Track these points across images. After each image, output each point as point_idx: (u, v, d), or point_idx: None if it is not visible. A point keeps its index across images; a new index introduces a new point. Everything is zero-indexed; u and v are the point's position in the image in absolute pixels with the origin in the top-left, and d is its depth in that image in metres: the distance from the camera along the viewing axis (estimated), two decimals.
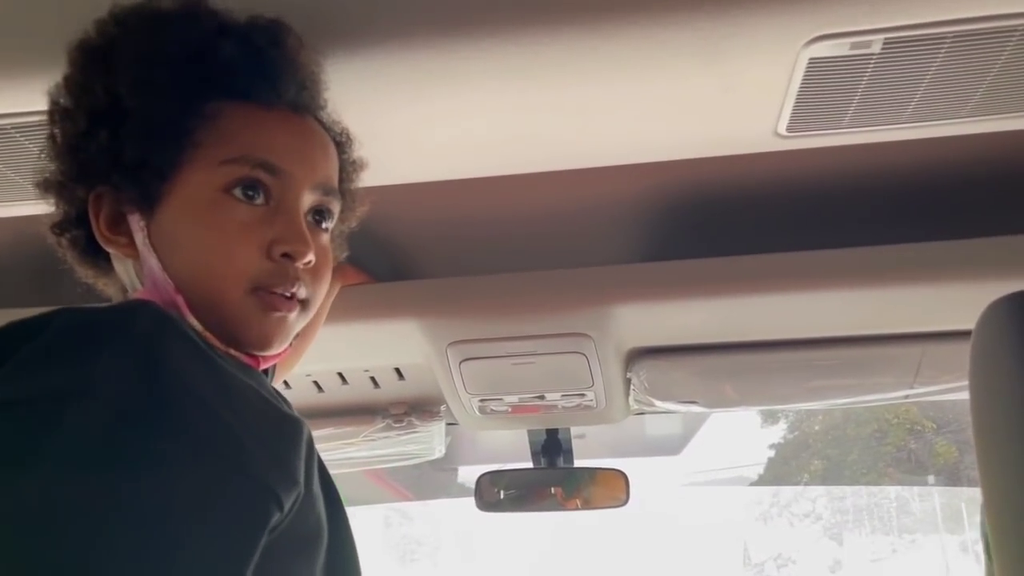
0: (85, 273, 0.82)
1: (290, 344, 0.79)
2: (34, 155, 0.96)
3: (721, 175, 1.17)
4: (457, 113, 0.95)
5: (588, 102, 0.94)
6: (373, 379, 1.46)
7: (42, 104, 0.86)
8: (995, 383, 0.69)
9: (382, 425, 1.54)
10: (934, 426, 6.28)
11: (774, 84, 0.89)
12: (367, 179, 0.90)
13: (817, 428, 7.22)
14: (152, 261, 0.73)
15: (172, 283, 0.72)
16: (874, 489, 7.38)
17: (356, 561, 0.75)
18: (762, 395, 1.40)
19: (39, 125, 0.91)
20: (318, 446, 0.73)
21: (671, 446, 2.65)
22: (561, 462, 1.65)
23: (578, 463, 1.70)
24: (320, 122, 0.82)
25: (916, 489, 7.15)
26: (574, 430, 1.69)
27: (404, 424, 1.53)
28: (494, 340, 1.26)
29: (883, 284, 1.15)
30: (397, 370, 1.43)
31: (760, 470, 7.35)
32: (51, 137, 0.77)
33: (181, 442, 0.57)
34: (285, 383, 1.37)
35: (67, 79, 0.76)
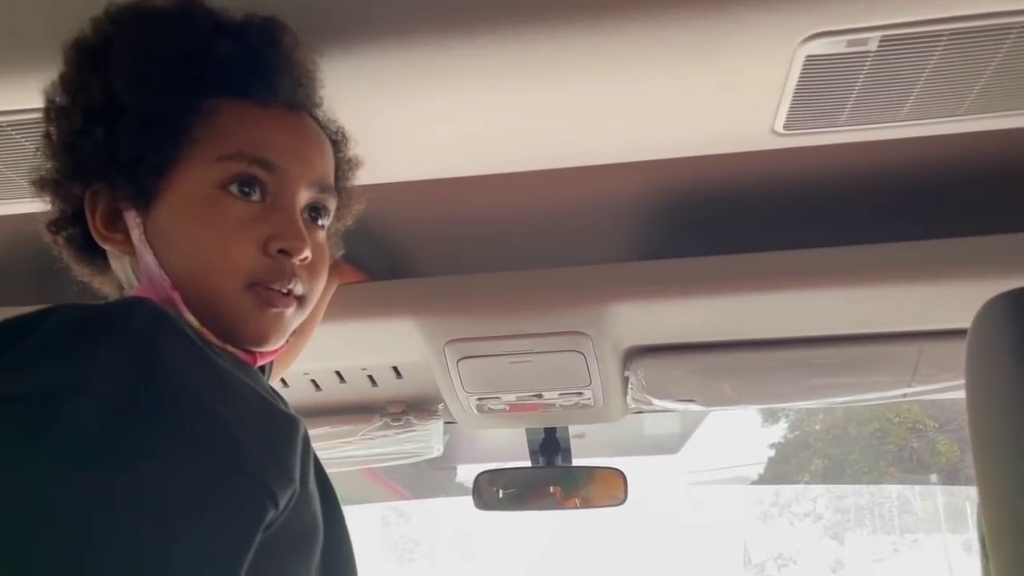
0: (81, 271, 0.82)
1: (287, 341, 0.79)
2: (30, 153, 0.96)
3: (719, 173, 1.17)
4: (454, 111, 0.95)
5: (585, 100, 0.94)
6: (371, 377, 1.46)
7: (38, 102, 0.86)
8: (991, 380, 0.69)
9: (380, 424, 1.54)
10: (936, 425, 6.27)
11: (771, 82, 0.89)
12: (364, 177, 0.90)
13: (818, 427, 7.21)
14: (148, 258, 0.73)
15: (168, 279, 0.72)
16: (875, 488, 7.37)
17: (352, 559, 0.75)
18: (760, 393, 1.40)
19: (35, 123, 0.91)
20: (316, 445, 0.73)
21: (669, 445, 2.65)
22: (559, 461, 1.65)
23: (576, 462, 1.70)
24: (316, 120, 0.82)
25: (918, 488, 7.14)
26: (574, 429, 1.69)
27: (402, 423, 1.53)
28: (492, 339, 1.26)
29: (881, 282, 1.15)
30: (395, 369, 1.43)
31: (760, 469, 7.34)
32: (47, 135, 0.77)
33: (177, 439, 0.58)
34: (283, 381, 1.37)
35: (63, 77, 0.76)
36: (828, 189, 1.17)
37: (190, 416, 0.59)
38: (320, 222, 0.80)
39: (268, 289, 0.73)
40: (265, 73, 0.76)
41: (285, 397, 0.74)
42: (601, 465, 1.69)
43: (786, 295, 1.18)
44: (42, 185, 0.78)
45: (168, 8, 0.74)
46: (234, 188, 0.73)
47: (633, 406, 1.45)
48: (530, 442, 1.68)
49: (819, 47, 0.83)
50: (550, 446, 1.65)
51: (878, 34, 0.81)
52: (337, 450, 1.57)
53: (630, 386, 1.39)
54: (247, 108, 0.75)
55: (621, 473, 1.66)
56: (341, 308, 1.17)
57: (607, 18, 0.80)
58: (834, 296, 1.17)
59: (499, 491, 1.67)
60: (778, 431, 7.29)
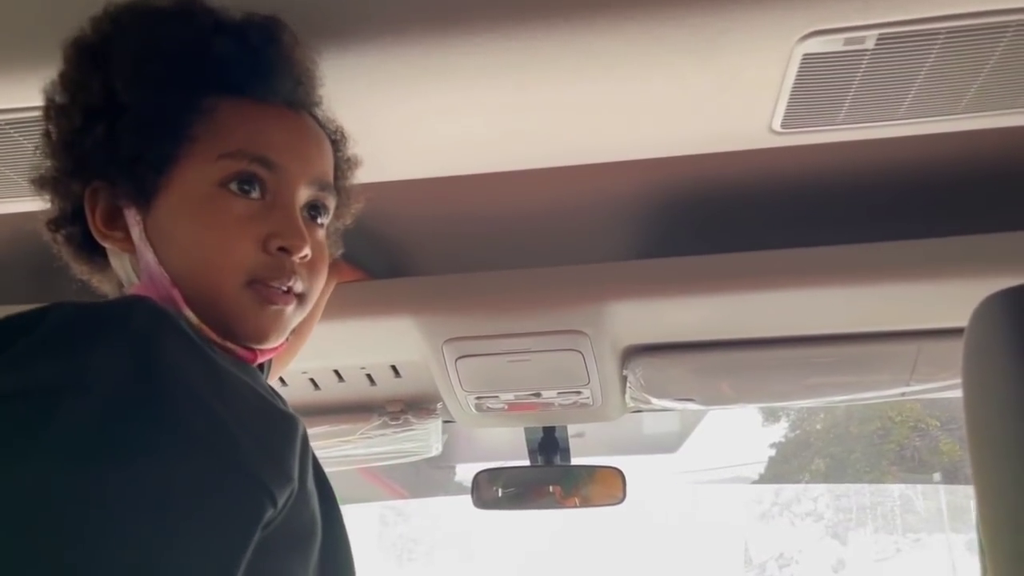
0: (80, 269, 0.82)
1: (286, 339, 0.79)
2: (29, 151, 0.96)
3: (717, 172, 1.17)
4: (452, 109, 0.95)
5: (583, 99, 0.94)
6: (369, 376, 1.46)
7: (37, 100, 0.86)
8: (988, 379, 0.69)
9: (379, 423, 1.54)
10: (938, 423, 6.26)
11: (768, 80, 0.89)
12: (361, 175, 0.90)
13: (819, 427, 7.21)
14: (148, 255, 0.74)
15: (168, 277, 0.72)
16: (877, 488, 7.36)
17: (350, 559, 0.75)
18: (759, 392, 1.40)
19: (34, 121, 0.91)
20: (314, 444, 0.73)
21: (668, 444, 2.65)
22: (558, 460, 1.65)
23: (575, 461, 1.70)
24: (315, 119, 0.82)
25: (920, 487, 7.13)
26: (573, 428, 1.69)
27: (401, 422, 1.54)
28: (490, 337, 1.26)
29: (879, 281, 1.15)
30: (393, 367, 1.43)
31: (761, 469, 7.34)
32: (46, 134, 0.77)
33: (175, 436, 0.58)
34: (281, 380, 1.37)
35: (63, 76, 0.76)
36: (826, 187, 1.17)
37: (188, 414, 0.59)
38: (319, 220, 0.80)
39: (268, 286, 0.73)
40: (265, 71, 0.76)
41: (283, 396, 0.74)
42: (600, 464, 1.69)
43: (784, 294, 1.18)
44: (42, 183, 0.78)
45: (168, 6, 0.75)
46: (234, 186, 0.73)
47: (632, 405, 1.45)
48: (529, 441, 1.68)
49: (816, 45, 0.83)
50: (549, 445, 1.65)
51: (875, 32, 0.81)
52: (335, 449, 1.57)
53: (629, 385, 1.39)
54: (247, 106, 0.75)
55: (620, 472, 1.66)
56: (339, 307, 1.17)
57: (604, 17, 0.80)
58: (833, 295, 1.17)
59: (498, 490, 1.67)
60: (779, 430, 7.29)
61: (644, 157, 1.10)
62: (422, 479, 2.75)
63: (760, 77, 0.89)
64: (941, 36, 0.82)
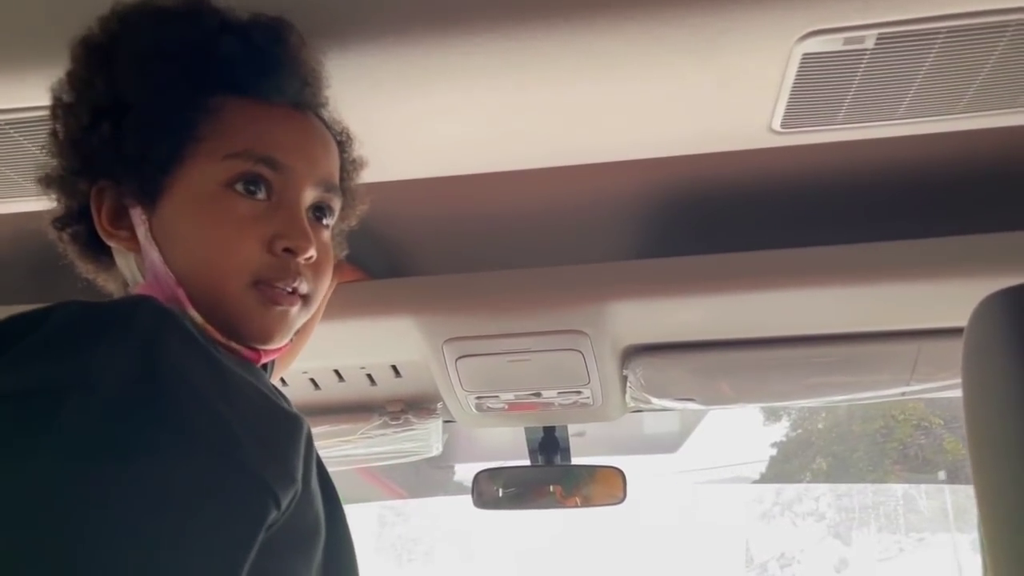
0: (86, 268, 0.82)
1: (290, 340, 0.79)
2: (29, 151, 0.97)
3: (716, 171, 1.17)
4: (453, 109, 0.95)
5: (583, 98, 0.94)
6: (370, 376, 1.46)
7: (38, 100, 0.87)
8: (987, 378, 0.69)
9: (379, 422, 1.54)
10: (941, 422, 6.24)
11: (768, 80, 0.89)
12: (363, 175, 0.90)
13: (821, 426, 7.20)
14: (154, 254, 0.74)
15: (173, 276, 0.73)
16: (880, 487, 7.35)
17: (353, 559, 0.75)
18: (759, 392, 1.40)
19: (34, 121, 0.91)
20: (315, 443, 0.73)
21: (669, 444, 2.65)
22: (558, 460, 1.65)
23: (576, 461, 1.70)
24: (322, 120, 0.82)
25: (923, 487, 7.11)
26: (573, 428, 1.69)
27: (401, 421, 1.54)
28: (490, 337, 1.26)
29: (879, 281, 1.15)
30: (394, 367, 1.43)
31: (762, 468, 7.33)
32: (53, 132, 0.78)
33: (178, 436, 0.57)
34: (282, 380, 1.37)
35: (70, 74, 0.76)
36: (826, 187, 1.17)
37: (192, 414, 0.59)
38: (325, 221, 0.80)
39: (273, 287, 0.73)
40: (271, 72, 0.76)
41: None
42: (600, 464, 1.69)
43: (784, 293, 1.17)
44: (48, 182, 0.78)
45: (175, 7, 0.75)
46: (239, 186, 0.73)
47: (632, 405, 1.45)
48: (529, 441, 1.68)
49: (816, 45, 0.83)
50: (549, 445, 1.65)
51: (875, 32, 0.81)
52: (336, 449, 1.57)
53: (629, 385, 1.39)
54: (253, 107, 0.75)
55: (620, 472, 1.66)
56: (340, 307, 1.17)
57: (605, 17, 0.80)
58: (832, 294, 1.17)
59: (498, 490, 1.67)
60: (780, 429, 7.28)
61: (644, 157, 1.10)
62: (422, 479, 2.75)
63: (760, 77, 0.89)
64: (940, 36, 0.82)
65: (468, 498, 1.70)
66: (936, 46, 0.83)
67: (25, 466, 0.53)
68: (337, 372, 1.44)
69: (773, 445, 7.28)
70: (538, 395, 1.40)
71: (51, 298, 0.65)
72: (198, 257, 0.73)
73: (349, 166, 0.87)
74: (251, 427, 0.62)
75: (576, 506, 1.69)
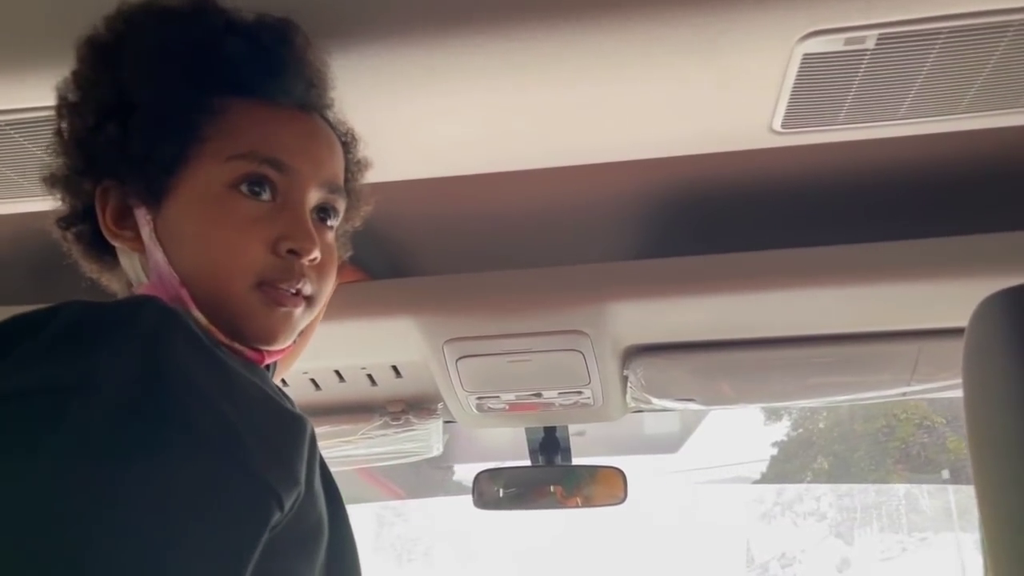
0: (90, 268, 0.82)
1: (293, 341, 0.79)
2: (30, 152, 0.97)
3: (717, 172, 1.17)
4: (453, 110, 0.95)
5: (584, 99, 0.94)
6: (370, 377, 1.46)
7: (38, 101, 0.87)
8: (988, 378, 0.69)
9: (380, 423, 1.54)
10: (943, 421, 6.23)
11: (769, 80, 0.89)
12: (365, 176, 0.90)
13: (822, 425, 7.18)
14: (158, 255, 0.74)
15: (177, 277, 0.73)
16: (882, 487, 7.33)
17: (356, 559, 0.74)
18: (759, 392, 1.40)
19: (35, 122, 0.91)
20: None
21: (670, 444, 2.65)
22: (559, 460, 1.65)
23: (576, 461, 1.70)
24: (327, 121, 0.82)
25: (926, 486, 7.09)
26: (574, 427, 1.69)
27: (402, 422, 1.54)
28: (490, 338, 1.26)
29: (880, 281, 1.15)
30: (394, 368, 1.43)
31: (763, 468, 7.32)
32: (58, 132, 0.78)
33: (182, 437, 0.57)
34: (283, 380, 1.37)
35: (75, 74, 0.76)
36: (826, 187, 1.17)
37: (196, 415, 0.59)
38: (329, 223, 0.80)
39: (277, 288, 0.73)
40: (277, 73, 0.76)
41: None
42: (601, 464, 1.69)
43: (785, 294, 1.17)
44: (53, 181, 0.78)
45: (181, 7, 0.75)
46: (244, 187, 0.73)
47: (632, 405, 1.46)
48: (530, 441, 1.68)
49: (816, 45, 0.83)
50: (550, 445, 1.65)
51: (875, 32, 0.81)
52: (337, 449, 1.57)
53: (629, 385, 1.39)
54: (259, 107, 0.75)
55: (621, 472, 1.66)
56: (340, 307, 1.17)
57: (605, 17, 0.80)
58: (833, 295, 1.17)
59: (499, 490, 1.68)
60: (781, 429, 7.27)
61: (645, 157, 1.10)
62: (422, 479, 2.75)
63: (760, 77, 0.89)
64: (942, 36, 0.82)
65: (467, 498, 1.70)
66: (937, 46, 0.83)
67: (30, 466, 0.53)
68: (338, 372, 1.44)
69: (774, 445, 7.27)
70: (539, 395, 1.40)
71: (51, 299, 0.65)
72: (202, 258, 0.73)
73: (354, 167, 0.86)
74: (255, 428, 0.62)
75: (577, 506, 1.69)
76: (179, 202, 0.73)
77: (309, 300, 0.76)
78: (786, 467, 7.23)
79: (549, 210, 1.24)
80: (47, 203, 0.80)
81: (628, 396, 1.42)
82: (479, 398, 1.41)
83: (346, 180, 0.83)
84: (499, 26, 0.81)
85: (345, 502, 0.75)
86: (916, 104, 0.94)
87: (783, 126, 0.98)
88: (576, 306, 1.22)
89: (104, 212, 0.76)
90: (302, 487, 0.63)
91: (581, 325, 1.24)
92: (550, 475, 1.66)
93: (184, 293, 0.72)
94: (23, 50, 0.84)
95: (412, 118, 0.96)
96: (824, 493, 7.78)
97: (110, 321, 0.62)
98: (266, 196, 0.74)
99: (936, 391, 1.33)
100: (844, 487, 7.87)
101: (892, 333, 1.28)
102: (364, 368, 1.44)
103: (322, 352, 1.23)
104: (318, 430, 0.69)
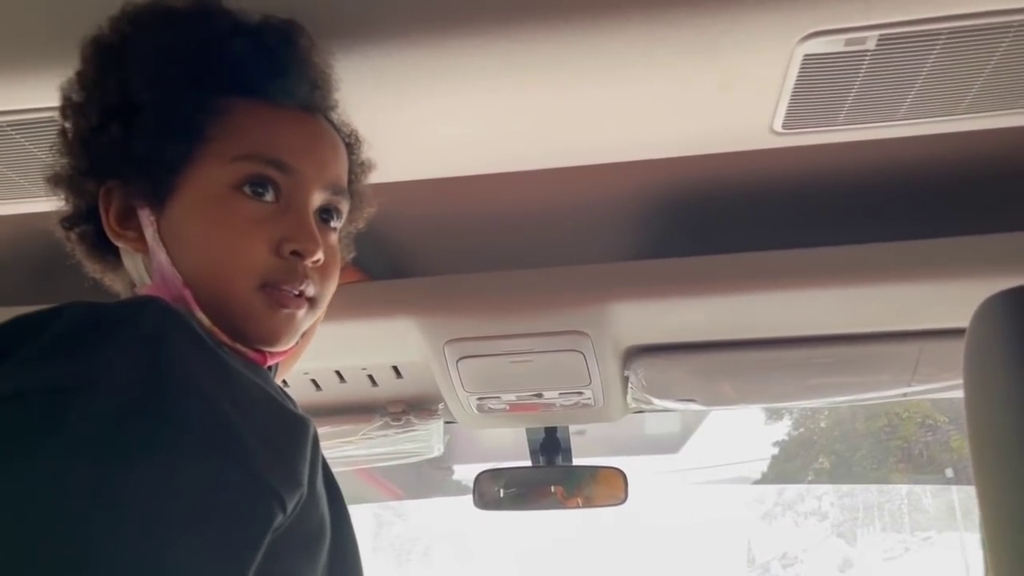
0: (93, 268, 0.82)
1: (296, 342, 0.79)
2: (31, 153, 0.97)
3: (718, 172, 1.17)
4: (454, 111, 0.95)
5: (585, 100, 0.94)
6: (371, 377, 1.46)
7: (39, 102, 0.87)
8: (989, 379, 0.69)
9: (380, 423, 1.54)
10: (946, 420, 6.21)
11: (769, 81, 0.89)
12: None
13: (823, 424, 7.17)
14: (161, 255, 0.74)
15: (180, 278, 0.72)
16: (885, 486, 7.32)
17: (358, 560, 0.74)
18: (760, 393, 1.40)
19: (36, 123, 0.92)
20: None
21: (670, 444, 2.65)
22: (560, 460, 1.65)
23: (577, 461, 1.70)
24: (331, 122, 0.82)
25: (929, 485, 7.08)
26: (574, 427, 1.69)
27: (402, 422, 1.54)
28: (491, 338, 1.26)
29: (881, 281, 1.15)
30: (395, 368, 1.44)
31: (764, 468, 7.31)
32: (62, 132, 0.78)
33: (184, 438, 0.57)
34: (283, 381, 1.37)
35: (80, 75, 0.76)
36: (827, 188, 1.17)
37: (199, 416, 0.59)
38: (332, 224, 0.80)
39: (280, 290, 0.73)
40: (281, 74, 0.76)
41: None
42: (602, 465, 1.69)
43: (786, 294, 1.17)
44: (57, 181, 0.78)
45: (185, 8, 0.75)
46: (247, 188, 0.73)
47: (633, 406, 1.46)
48: (530, 441, 1.68)
49: (817, 46, 0.83)
50: (550, 445, 1.65)
51: (876, 33, 0.81)
52: (337, 450, 1.57)
53: (630, 386, 1.39)
54: (263, 109, 0.75)
55: (622, 473, 1.66)
56: (341, 308, 1.16)
57: (606, 18, 0.80)
58: (834, 295, 1.17)
59: (500, 491, 1.67)
60: (782, 428, 7.26)
61: (646, 158, 1.10)
62: (420, 479, 2.74)
63: (761, 78, 0.89)
64: (942, 37, 0.82)
65: (467, 498, 1.70)
66: (938, 47, 0.83)
67: (33, 466, 0.53)
68: (338, 373, 1.44)
69: (775, 444, 7.26)
70: (539, 396, 1.40)
71: (52, 299, 0.66)
72: (205, 259, 0.73)
73: (357, 169, 0.86)
74: (258, 429, 0.62)
75: (577, 507, 1.69)
76: (182, 203, 0.73)
77: (312, 302, 0.76)
78: (787, 467, 7.22)
79: (550, 210, 1.24)
80: (48, 204, 0.80)
81: (629, 396, 1.42)
82: (480, 398, 1.41)
83: (349, 181, 0.83)
84: (500, 27, 0.81)
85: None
86: (917, 105, 0.94)
87: (784, 127, 0.98)
88: (577, 307, 1.22)
89: (108, 212, 0.76)
90: (304, 488, 0.63)
91: (582, 326, 1.24)
92: (551, 475, 1.66)
93: (187, 294, 0.72)
94: (24, 51, 0.84)
95: (413, 118, 0.96)
96: (826, 492, 7.78)
97: (113, 322, 0.62)
98: (269, 197, 0.74)
99: (937, 392, 1.33)
100: (846, 486, 7.87)
101: (893, 334, 1.28)
102: (365, 369, 1.44)
103: (323, 352, 1.24)
104: (319, 431, 0.69)
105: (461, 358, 1.30)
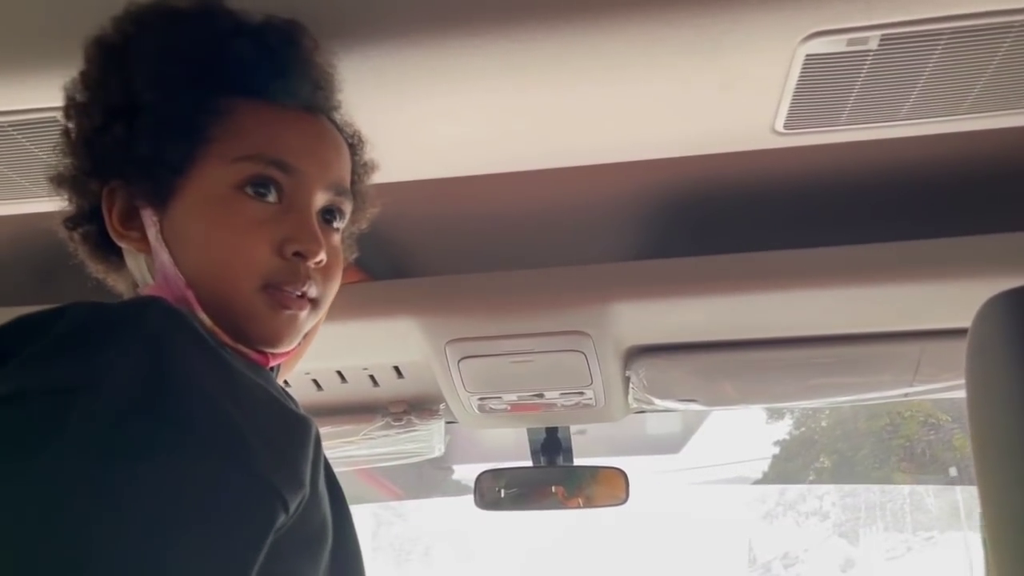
0: (96, 268, 0.82)
1: (298, 343, 0.79)
2: (32, 153, 0.97)
3: (719, 172, 1.16)
4: (454, 111, 0.95)
5: (586, 100, 0.94)
6: (372, 377, 1.46)
7: (40, 102, 0.87)
8: (991, 379, 0.69)
9: (381, 423, 1.54)
10: (949, 418, 6.21)
11: (771, 81, 0.89)
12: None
13: (824, 424, 7.16)
14: (164, 256, 0.74)
15: (183, 278, 0.72)
16: (887, 486, 7.31)
17: (360, 560, 0.74)
18: (761, 393, 1.40)
19: (37, 123, 0.92)
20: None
21: (671, 444, 2.65)
22: (561, 460, 1.65)
23: (578, 461, 1.70)
24: (333, 123, 0.82)
25: (931, 485, 7.07)
26: (575, 426, 1.69)
27: (403, 422, 1.54)
28: (492, 338, 1.26)
29: (882, 281, 1.15)
30: (396, 368, 1.44)
31: (765, 468, 7.31)
32: (65, 132, 0.78)
33: (187, 439, 0.57)
34: (284, 381, 1.37)
35: (83, 75, 0.76)
36: (829, 188, 1.17)
37: (201, 416, 0.59)
38: (335, 225, 0.80)
39: (282, 291, 0.73)
40: (284, 74, 0.76)
41: None
42: (603, 465, 1.69)
43: (787, 294, 1.17)
44: (60, 181, 0.78)
45: (189, 8, 0.75)
46: (250, 189, 0.73)
47: (635, 406, 1.46)
48: (531, 442, 1.68)
49: (819, 46, 0.83)
50: (551, 446, 1.65)
51: (878, 33, 0.81)
52: (339, 450, 1.57)
53: (631, 386, 1.39)
54: (265, 109, 0.75)
55: (623, 473, 1.66)
56: (342, 308, 1.16)
57: (607, 18, 0.80)
58: (835, 295, 1.17)
59: (501, 491, 1.68)
60: (783, 428, 7.25)
61: (647, 158, 1.10)
62: (420, 479, 2.74)
63: (763, 78, 0.89)
64: (944, 37, 0.82)
65: (466, 498, 1.70)
66: (940, 47, 0.83)
67: (35, 466, 0.53)
68: (340, 373, 1.44)
69: (776, 444, 7.26)
70: (541, 396, 1.40)
71: (53, 299, 0.66)
72: (208, 259, 0.73)
73: (360, 169, 0.86)
74: (260, 430, 0.62)
75: (578, 507, 1.69)
76: (185, 203, 0.73)
77: (314, 303, 0.76)
78: (789, 466, 7.21)
79: (551, 211, 1.24)
80: (49, 204, 0.80)
81: (630, 397, 1.42)
82: (481, 399, 1.41)
83: (352, 182, 0.83)
84: (500, 27, 0.81)
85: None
86: (919, 105, 0.93)
87: (785, 127, 0.98)
88: (578, 307, 1.22)
89: (111, 213, 0.76)
90: (307, 489, 0.63)
91: (583, 326, 1.24)
92: (552, 476, 1.66)
93: (189, 294, 0.72)
94: (25, 51, 0.84)
95: (414, 119, 0.96)
96: (827, 492, 7.77)
97: (116, 322, 0.62)
98: (272, 198, 0.74)
99: (938, 392, 1.33)
100: (847, 486, 7.86)
101: (895, 334, 1.27)
102: (366, 369, 1.44)
103: (324, 353, 1.24)
104: (320, 431, 0.69)
105: (462, 358, 1.30)
